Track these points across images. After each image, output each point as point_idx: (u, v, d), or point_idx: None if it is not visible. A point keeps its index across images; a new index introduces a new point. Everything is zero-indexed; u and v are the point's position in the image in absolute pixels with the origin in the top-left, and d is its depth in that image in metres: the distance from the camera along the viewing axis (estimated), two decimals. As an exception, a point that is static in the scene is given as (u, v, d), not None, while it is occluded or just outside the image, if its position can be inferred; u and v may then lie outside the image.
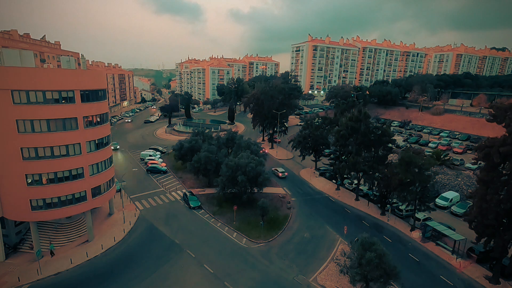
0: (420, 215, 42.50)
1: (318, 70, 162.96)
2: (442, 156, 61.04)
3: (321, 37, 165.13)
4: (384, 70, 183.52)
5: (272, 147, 79.53)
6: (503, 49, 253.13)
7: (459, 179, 55.29)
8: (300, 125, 75.47)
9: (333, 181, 57.50)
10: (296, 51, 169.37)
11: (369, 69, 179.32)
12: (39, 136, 30.85)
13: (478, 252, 34.69)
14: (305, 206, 48.03)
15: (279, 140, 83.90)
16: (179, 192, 52.11)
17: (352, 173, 49.19)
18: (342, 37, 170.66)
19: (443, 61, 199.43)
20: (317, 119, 66.73)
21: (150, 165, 61.92)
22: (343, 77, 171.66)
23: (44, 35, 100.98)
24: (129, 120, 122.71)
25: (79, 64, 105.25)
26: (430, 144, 76.44)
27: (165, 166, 62.83)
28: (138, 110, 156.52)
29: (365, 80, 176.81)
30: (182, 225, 41.71)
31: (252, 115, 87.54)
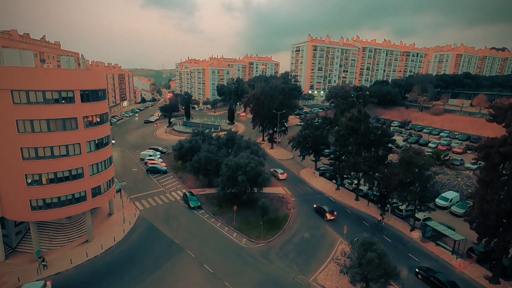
0: (420, 215, 42.47)
1: (318, 70, 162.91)
2: (442, 156, 61.05)
3: (321, 37, 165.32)
4: (384, 70, 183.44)
5: (272, 147, 79.52)
6: (503, 49, 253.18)
7: (459, 179, 55.27)
8: (300, 125, 75.38)
9: (333, 181, 57.49)
10: (296, 51, 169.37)
11: (369, 69, 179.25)
12: (39, 136, 30.84)
13: (478, 252, 34.70)
14: (305, 206, 48.01)
15: (279, 140, 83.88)
16: (179, 192, 52.11)
17: (352, 173, 49.19)
18: (342, 37, 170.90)
19: (443, 61, 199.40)
20: (317, 119, 66.79)
21: (150, 165, 61.91)
22: (343, 77, 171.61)
23: (44, 35, 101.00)
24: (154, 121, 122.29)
25: (79, 64, 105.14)
26: (430, 144, 76.42)
27: (165, 166, 62.82)
28: (138, 110, 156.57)
29: (365, 80, 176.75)
30: (182, 225, 41.70)
31: (252, 115, 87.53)
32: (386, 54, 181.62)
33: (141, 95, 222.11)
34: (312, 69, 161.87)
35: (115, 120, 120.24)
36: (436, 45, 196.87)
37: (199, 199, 48.29)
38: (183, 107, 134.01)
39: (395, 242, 38.32)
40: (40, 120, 30.60)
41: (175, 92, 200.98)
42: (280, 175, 58.99)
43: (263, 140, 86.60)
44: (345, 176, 50.95)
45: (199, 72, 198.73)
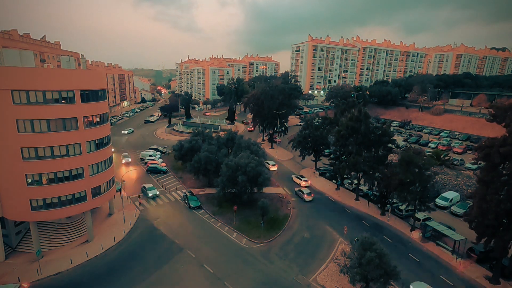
0: (420, 215, 42.46)
1: (318, 70, 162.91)
2: (442, 156, 61.05)
3: (321, 37, 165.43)
4: (384, 70, 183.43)
5: (272, 147, 79.50)
6: (503, 49, 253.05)
7: (459, 179, 55.25)
8: (300, 125, 75.42)
9: (333, 181, 57.47)
10: (296, 51, 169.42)
11: (369, 69, 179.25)
12: (39, 136, 30.84)
13: (478, 252, 34.68)
14: (305, 206, 48.01)
15: (279, 140, 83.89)
16: (179, 192, 52.12)
17: (352, 173, 49.17)
18: (342, 37, 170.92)
19: (443, 61, 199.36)
20: (317, 119, 66.77)
21: (150, 165, 61.90)
22: (343, 77, 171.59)
23: (44, 35, 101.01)
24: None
25: (79, 64, 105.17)
26: (430, 144, 76.45)
27: (165, 166, 62.82)
28: (138, 110, 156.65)
29: (365, 80, 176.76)
30: (182, 225, 41.70)
31: (252, 115, 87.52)
32: (386, 54, 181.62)
33: (141, 95, 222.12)
34: (312, 69, 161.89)
35: (115, 120, 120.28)
36: (453, 42, 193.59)
37: (199, 199, 48.28)
38: (182, 107, 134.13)
39: (395, 242, 38.32)
40: (40, 120, 30.60)
41: (175, 92, 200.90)
42: (271, 167, 62.02)
43: (263, 140, 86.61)
44: (345, 176, 50.94)
45: (199, 72, 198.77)
